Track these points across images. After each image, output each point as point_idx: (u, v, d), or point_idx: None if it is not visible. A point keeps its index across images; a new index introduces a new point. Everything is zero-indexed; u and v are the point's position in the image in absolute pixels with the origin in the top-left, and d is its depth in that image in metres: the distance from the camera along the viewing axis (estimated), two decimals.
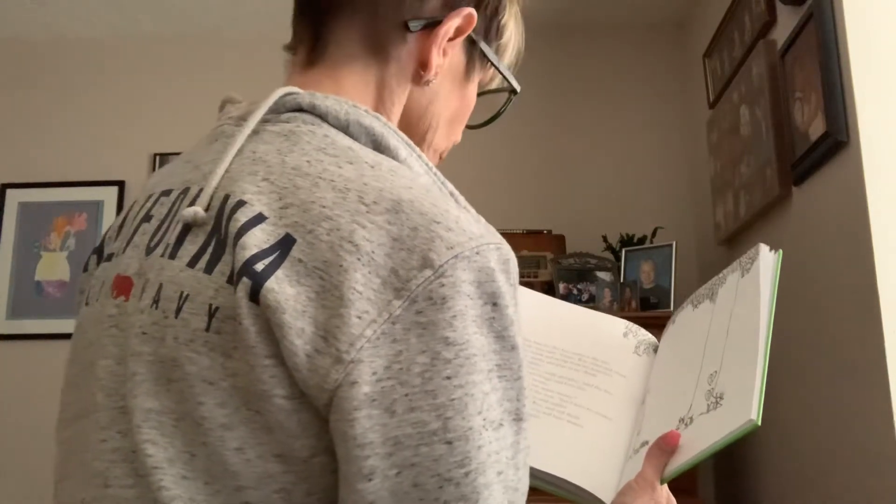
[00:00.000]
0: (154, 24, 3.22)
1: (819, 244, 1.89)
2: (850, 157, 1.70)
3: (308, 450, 0.54)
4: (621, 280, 2.67)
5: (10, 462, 2.93)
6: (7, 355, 3.07)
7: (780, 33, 2.09)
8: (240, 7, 3.09)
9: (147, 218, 0.66)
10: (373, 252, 0.53)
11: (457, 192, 0.65)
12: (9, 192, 3.19)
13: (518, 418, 0.55)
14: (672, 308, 2.51)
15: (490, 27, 0.74)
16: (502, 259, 0.56)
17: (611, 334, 0.96)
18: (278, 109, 0.64)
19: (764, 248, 0.85)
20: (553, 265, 2.69)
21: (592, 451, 0.84)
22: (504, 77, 0.77)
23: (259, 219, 0.56)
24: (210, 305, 0.55)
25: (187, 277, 0.57)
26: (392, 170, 0.59)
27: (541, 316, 0.96)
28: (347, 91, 0.68)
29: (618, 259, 2.76)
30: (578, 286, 2.63)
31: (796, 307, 2.03)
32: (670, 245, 2.66)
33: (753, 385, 0.72)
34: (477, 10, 0.70)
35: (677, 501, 0.80)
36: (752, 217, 2.28)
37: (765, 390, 0.71)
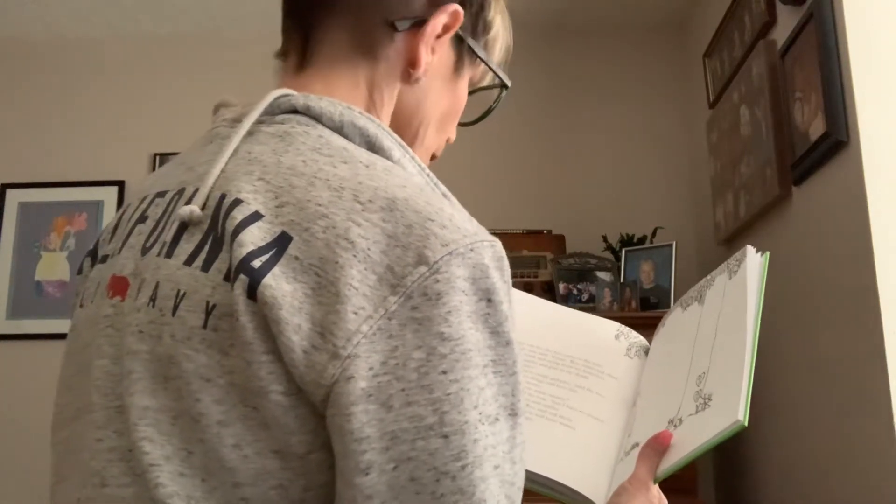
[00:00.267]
0: (154, 24, 3.22)
1: (819, 244, 1.89)
2: (850, 157, 1.70)
3: (305, 446, 0.54)
4: (621, 280, 2.67)
5: (10, 462, 2.93)
6: (7, 355, 3.08)
7: (780, 33, 2.09)
8: (240, 7, 3.09)
9: (142, 219, 0.66)
10: (368, 249, 0.53)
11: (449, 194, 0.66)
12: (9, 192, 3.19)
13: (513, 413, 0.56)
14: None
15: (477, 23, 0.74)
16: (496, 256, 0.57)
17: (602, 337, 0.97)
18: (273, 111, 0.65)
19: (751, 250, 0.86)
20: (553, 265, 2.69)
21: (584, 454, 0.84)
22: (494, 72, 0.78)
23: (255, 217, 0.56)
24: (207, 303, 0.56)
25: (184, 275, 0.58)
26: (386, 169, 0.60)
27: (533, 318, 0.96)
28: (339, 93, 0.68)
29: (618, 259, 2.76)
30: (578, 286, 2.63)
31: (796, 307, 2.03)
32: (670, 245, 2.66)
33: (740, 386, 0.72)
34: (463, 7, 0.71)
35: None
36: (751, 217, 2.28)
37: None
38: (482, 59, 0.75)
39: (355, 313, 0.52)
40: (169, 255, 0.60)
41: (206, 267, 0.57)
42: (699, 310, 0.89)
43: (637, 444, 0.80)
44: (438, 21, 0.69)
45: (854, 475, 1.72)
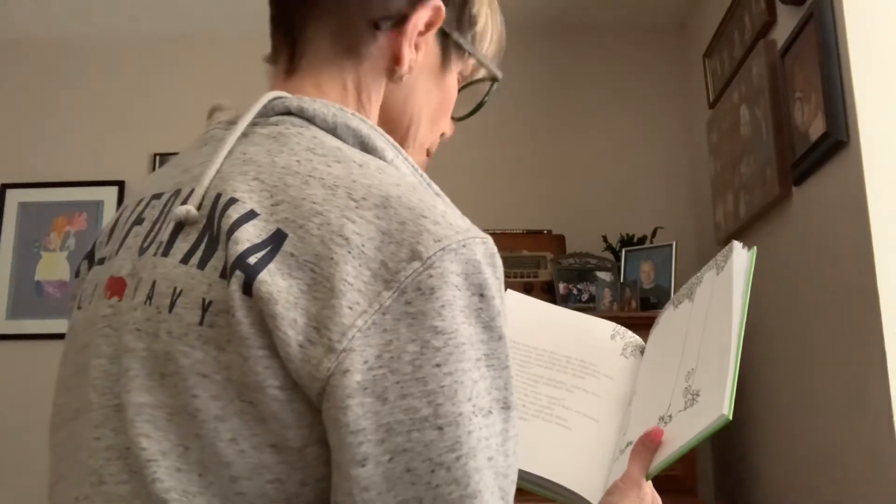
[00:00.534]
0: (154, 24, 3.22)
1: (819, 244, 1.89)
2: (850, 156, 1.70)
3: (301, 440, 0.55)
4: (621, 280, 2.67)
5: (10, 462, 2.94)
6: (7, 355, 3.08)
7: (780, 33, 2.09)
8: (240, 7, 3.09)
9: (139, 221, 0.67)
10: (363, 245, 0.54)
11: (442, 193, 0.67)
12: (9, 192, 3.19)
13: (506, 406, 0.57)
14: None
15: (461, 17, 0.75)
16: (488, 253, 0.58)
17: (598, 337, 0.97)
18: (267, 113, 0.66)
19: (737, 246, 0.86)
20: (553, 265, 2.69)
21: (580, 454, 0.85)
22: (483, 65, 0.78)
23: (251, 215, 0.57)
24: (203, 300, 0.56)
25: (180, 273, 0.58)
26: (380, 168, 0.61)
27: (529, 318, 0.97)
28: (330, 95, 0.69)
29: (618, 259, 2.76)
30: (578, 286, 2.63)
31: (796, 307, 2.03)
32: (670, 245, 2.66)
33: (725, 381, 0.73)
34: (445, 2, 0.71)
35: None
36: (752, 217, 2.28)
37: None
38: (470, 52, 0.76)
39: (350, 308, 0.53)
40: (165, 253, 0.60)
41: (202, 265, 0.58)
42: (690, 307, 0.90)
43: (631, 443, 0.80)
44: (420, 18, 0.70)
45: (854, 475, 1.72)
